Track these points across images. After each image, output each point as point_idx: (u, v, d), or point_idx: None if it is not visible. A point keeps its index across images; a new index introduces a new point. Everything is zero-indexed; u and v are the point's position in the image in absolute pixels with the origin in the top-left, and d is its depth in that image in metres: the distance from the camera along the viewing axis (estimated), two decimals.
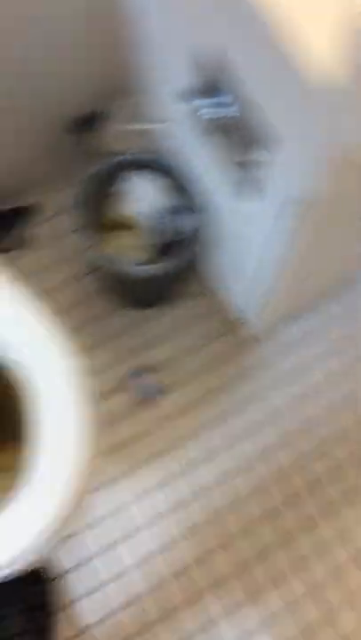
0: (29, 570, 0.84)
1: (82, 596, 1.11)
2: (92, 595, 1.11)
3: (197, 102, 0.86)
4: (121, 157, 1.13)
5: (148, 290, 1.23)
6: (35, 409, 0.86)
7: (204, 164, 1.03)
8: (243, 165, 0.89)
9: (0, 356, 0.94)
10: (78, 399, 0.84)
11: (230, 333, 1.31)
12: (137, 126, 1.13)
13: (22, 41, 0.99)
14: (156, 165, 1.13)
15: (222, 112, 0.83)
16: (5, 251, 1.30)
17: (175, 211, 1.12)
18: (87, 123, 1.16)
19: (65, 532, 0.79)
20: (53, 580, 1.10)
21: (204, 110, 0.85)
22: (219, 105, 0.84)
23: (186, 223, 1.11)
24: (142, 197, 1.11)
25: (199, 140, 0.99)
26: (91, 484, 0.83)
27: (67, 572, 1.12)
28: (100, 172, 1.13)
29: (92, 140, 1.17)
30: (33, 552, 0.75)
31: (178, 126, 1.06)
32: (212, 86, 0.85)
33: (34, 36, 1.00)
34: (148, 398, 1.22)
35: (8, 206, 1.33)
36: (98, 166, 1.12)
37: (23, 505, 0.77)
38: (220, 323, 1.32)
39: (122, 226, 1.15)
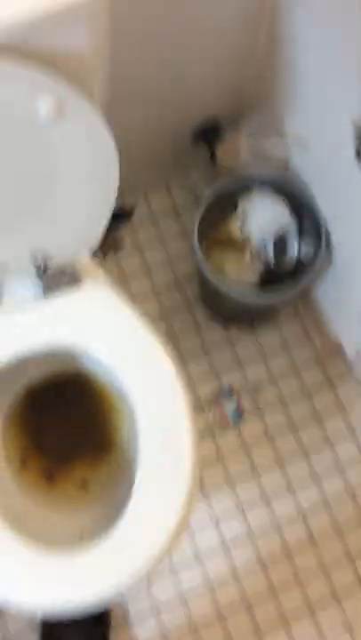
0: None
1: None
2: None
3: None
4: (245, 173, 1.09)
5: (248, 311, 1.19)
6: (134, 423, 0.83)
7: (349, 192, 0.96)
8: None
9: (93, 366, 0.93)
10: (182, 411, 0.80)
11: (328, 363, 1.26)
12: (265, 142, 1.09)
13: (162, 52, 0.96)
14: (281, 185, 1.09)
15: None
16: (103, 254, 1.27)
17: (294, 236, 1.07)
18: (213, 134, 1.12)
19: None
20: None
21: None
22: None
23: (303, 250, 1.07)
24: (261, 217, 1.07)
25: (349, 165, 0.92)
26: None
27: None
28: (222, 185, 1.09)
29: (216, 152, 1.14)
30: (121, 590, 0.72)
31: (322, 149, 1.00)
32: None
33: (172, 47, 0.97)
34: (227, 422, 1.18)
35: None
36: (219, 179, 1.08)
37: (121, 537, 0.74)
38: (318, 351, 1.26)
39: (233, 243, 1.11)
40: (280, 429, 1.21)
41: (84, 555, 0.74)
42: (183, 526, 0.73)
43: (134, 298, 0.89)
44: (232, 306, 1.13)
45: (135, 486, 0.77)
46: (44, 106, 0.59)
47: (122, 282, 1.26)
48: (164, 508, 0.74)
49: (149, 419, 0.80)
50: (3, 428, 0.96)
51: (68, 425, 0.99)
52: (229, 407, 1.17)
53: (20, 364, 0.87)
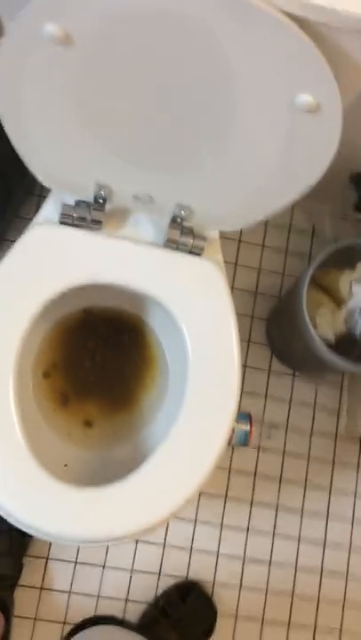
0: None
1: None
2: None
3: None
4: None
5: (310, 361, 1.18)
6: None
7: None
8: None
9: (159, 327, 0.93)
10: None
11: (341, 447, 1.26)
12: None
13: None
14: None
15: None
16: None
17: None
18: None
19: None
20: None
21: None
22: None
23: None
24: None
25: None
26: None
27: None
28: (352, 242, 1.08)
29: None
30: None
31: None
32: None
33: None
34: (230, 441, 1.18)
35: None
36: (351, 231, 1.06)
37: (159, 467, 0.77)
38: (339, 429, 1.26)
39: (333, 294, 1.10)
40: (268, 475, 1.21)
41: (124, 484, 0.76)
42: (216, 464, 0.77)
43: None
44: (302, 349, 1.12)
45: (180, 415, 0.79)
46: (305, 97, 0.58)
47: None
48: (207, 436, 0.78)
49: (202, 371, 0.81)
50: (45, 334, 0.95)
51: (103, 362, 0.98)
52: (240, 430, 1.16)
53: (99, 288, 0.86)
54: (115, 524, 0.75)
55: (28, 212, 1.17)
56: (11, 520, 0.75)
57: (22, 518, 0.73)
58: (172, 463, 0.77)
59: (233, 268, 1.29)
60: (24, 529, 0.75)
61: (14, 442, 0.75)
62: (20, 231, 0.82)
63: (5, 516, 0.75)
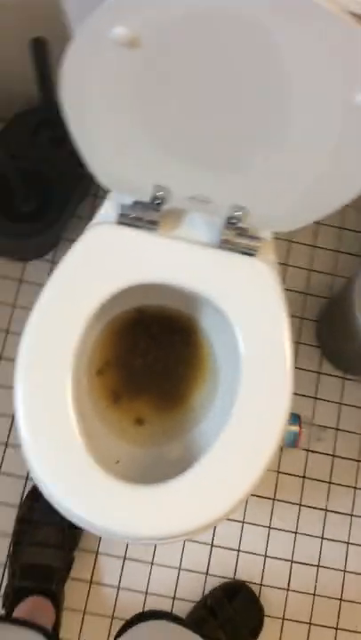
0: None
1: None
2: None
3: None
4: None
5: (360, 362, 1.17)
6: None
7: None
8: None
9: (210, 327, 0.93)
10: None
11: None
12: None
13: None
14: None
15: None
16: None
17: None
18: None
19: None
20: None
21: None
22: None
23: None
24: None
25: None
26: None
27: None
28: None
29: None
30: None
31: None
32: None
33: None
34: (285, 444, 1.17)
35: None
36: None
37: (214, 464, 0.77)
38: None
39: None
40: (316, 477, 1.20)
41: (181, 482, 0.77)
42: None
43: None
44: (353, 350, 1.11)
45: (233, 415, 0.79)
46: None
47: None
48: (261, 435, 0.78)
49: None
50: (99, 332, 0.97)
51: (154, 361, 0.99)
52: (289, 431, 1.15)
53: (153, 287, 0.87)
54: (167, 522, 0.76)
55: (85, 212, 1.19)
56: (67, 515, 0.77)
57: (79, 514, 0.74)
58: (225, 464, 0.77)
59: (283, 269, 1.28)
60: (80, 524, 0.76)
61: (71, 438, 0.76)
62: (77, 231, 0.83)
63: (62, 511, 0.77)
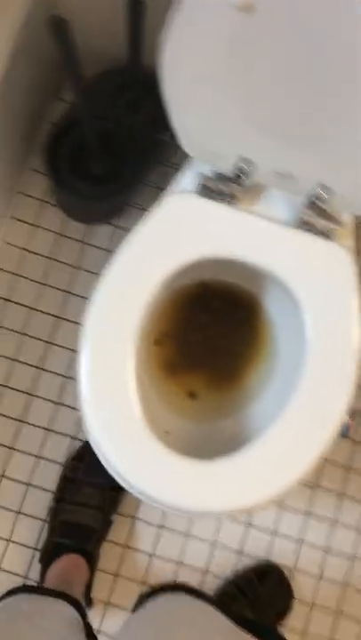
0: None
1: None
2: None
3: None
4: None
5: None
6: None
7: None
8: None
9: (277, 308, 0.91)
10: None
11: None
12: None
13: None
14: None
15: None
16: None
17: None
18: None
19: None
20: None
21: None
22: None
23: None
24: None
25: None
26: None
27: None
28: None
29: None
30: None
31: None
32: None
33: None
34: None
35: None
36: None
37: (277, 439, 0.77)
38: None
39: None
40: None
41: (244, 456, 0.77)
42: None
43: None
44: None
45: (294, 398, 0.78)
46: None
47: None
48: (320, 422, 0.78)
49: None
50: (162, 302, 0.96)
51: (213, 336, 0.98)
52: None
53: (222, 262, 0.86)
54: (218, 497, 0.76)
55: (152, 180, 1.18)
56: (118, 479, 0.77)
57: (130, 479, 0.75)
58: (284, 445, 0.76)
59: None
60: (130, 490, 0.76)
61: (128, 403, 0.76)
62: (143, 198, 0.81)
63: (114, 475, 0.77)
